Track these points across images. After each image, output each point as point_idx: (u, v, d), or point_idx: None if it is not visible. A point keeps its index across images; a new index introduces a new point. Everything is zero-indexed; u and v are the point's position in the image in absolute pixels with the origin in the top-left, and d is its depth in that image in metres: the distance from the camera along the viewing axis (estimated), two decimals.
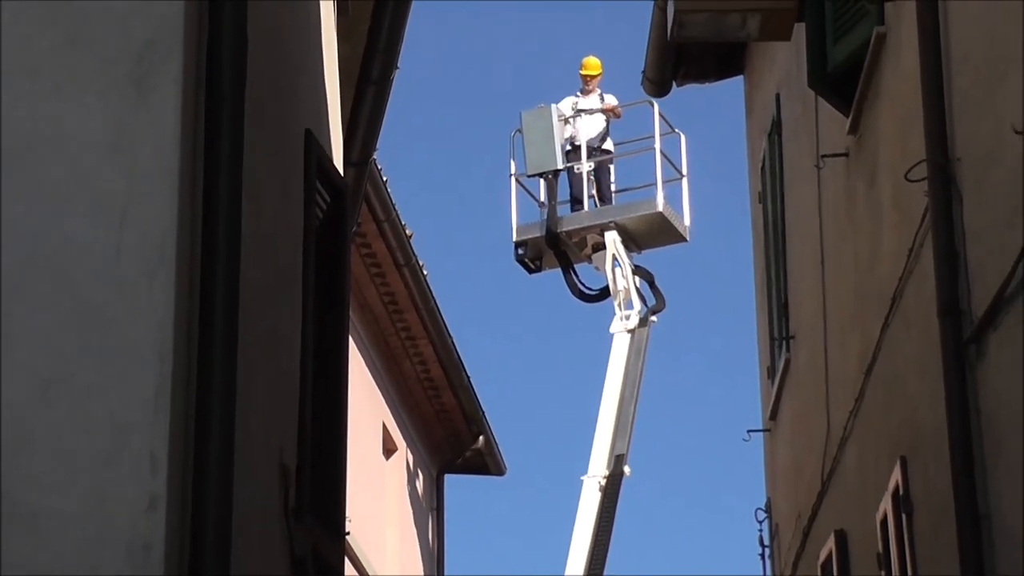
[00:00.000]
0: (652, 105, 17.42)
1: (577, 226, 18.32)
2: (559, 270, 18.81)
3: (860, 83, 9.79)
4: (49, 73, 5.51)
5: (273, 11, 7.84)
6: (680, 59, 13.08)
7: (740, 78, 14.33)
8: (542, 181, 18.34)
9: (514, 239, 18.54)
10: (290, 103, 8.54)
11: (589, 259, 18.31)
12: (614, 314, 18.35)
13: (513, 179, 18.81)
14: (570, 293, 18.72)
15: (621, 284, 18.03)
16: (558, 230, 18.11)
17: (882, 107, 9.68)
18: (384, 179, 14.39)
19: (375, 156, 12.30)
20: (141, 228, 5.26)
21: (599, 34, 41.33)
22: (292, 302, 8.09)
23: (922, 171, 8.09)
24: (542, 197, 18.69)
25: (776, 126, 12.86)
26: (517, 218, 18.56)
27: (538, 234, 18.34)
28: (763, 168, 13.58)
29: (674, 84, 13.40)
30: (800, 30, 10.56)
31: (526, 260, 18.56)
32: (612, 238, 18.16)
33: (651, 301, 18.52)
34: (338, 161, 10.49)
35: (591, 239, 18.38)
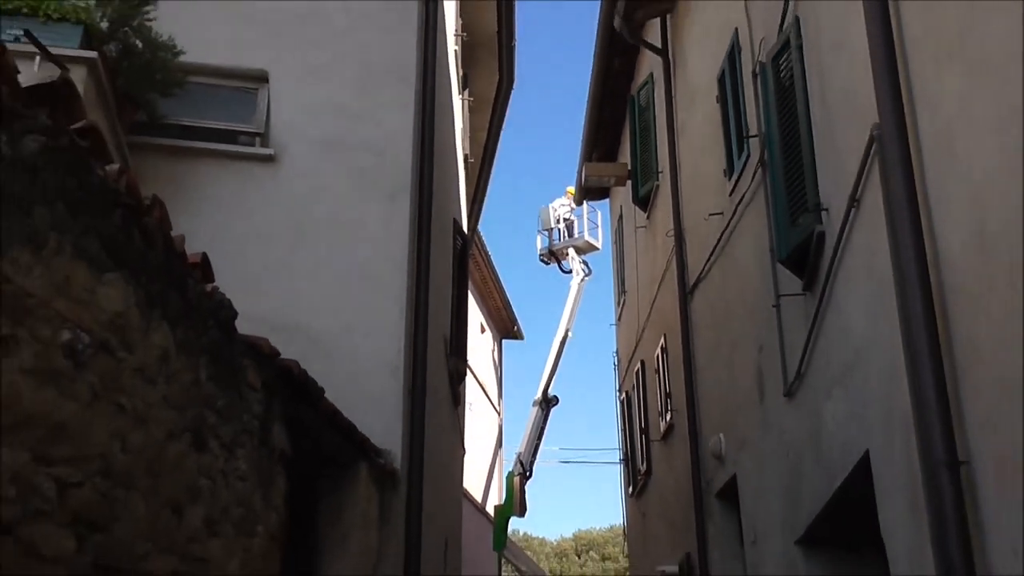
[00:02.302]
0: (582, 204, 25.07)
1: (560, 247, 27.26)
2: (555, 264, 27.36)
3: (650, 200, 13.07)
4: (354, 196, 7.52)
5: (443, 160, 9.42)
6: (589, 191, 17.55)
7: (608, 199, 18.81)
8: (547, 232, 27.33)
9: (538, 252, 27.44)
10: (447, 204, 10.38)
11: (565, 257, 26.79)
12: (573, 277, 26.51)
13: (537, 232, 27.86)
14: (559, 271, 27.43)
15: (576, 268, 26.20)
16: (553, 249, 27.24)
17: (657, 209, 12.85)
18: (481, 231, 21.38)
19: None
20: (394, 250, 7.39)
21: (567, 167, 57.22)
22: (448, 278, 10.44)
23: (671, 233, 11.24)
24: (548, 237, 27.69)
25: (621, 217, 16.63)
26: (539, 244, 27.81)
27: (546, 249, 27.30)
28: (617, 230, 17.31)
29: (585, 200, 19.57)
30: (631, 184, 14.15)
31: (543, 259, 27.37)
32: (572, 250, 26.98)
33: (586, 272, 26.66)
34: (464, 224, 13.28)
35: (566, 251, 27.06)
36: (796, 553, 7.24)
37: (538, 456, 25.86)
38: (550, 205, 27.97)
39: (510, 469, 24.87)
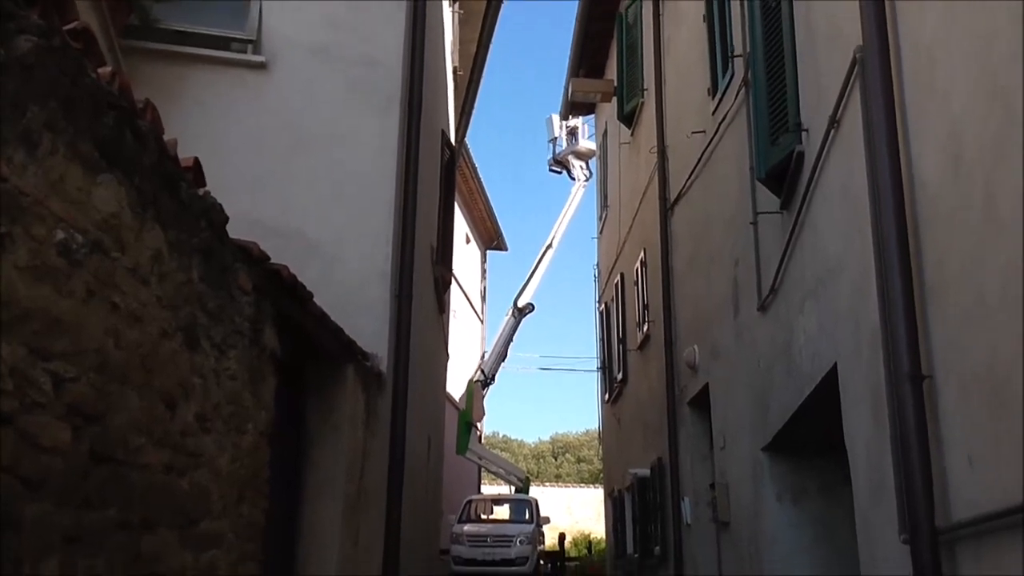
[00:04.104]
0: (568, 119, 24.48)
1: (563, 154, 27.05)
2: (564, 172, 27.24)
3: (634, 117, 12.92)
4: (345, 106, 7.45)
5: (432, 72, 9.37)
6: (575, 106, 17.61)
7: (593, 115, 19.12)
8: (552, 142, 26.84)
9: (548, 161, 27.01)
10: (435, 116, 10.28)
11: (570, 163, 26.55)
12: (575, 181, 26.77)
13: (548, 141, 27.64)
14: (567, 177, 27.32)
15: (578, 174, 26.17)
16: (557, 157, 26.97)
17: (641, 126, 12.74)
18: (468, 143, 21.33)
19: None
20: (384, 160, 7.34)
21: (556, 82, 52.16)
22: (435, 188, 10.44)
23: (654, 150, 11.22)
24: (556, 145, 27.47)
25: (606, 133, 16.48)
26: (550, 152, 27.59)
27: (552, 158, 26.99)
28: (601, 144, 17.26)
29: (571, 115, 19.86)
30: (616, 100, 14.07)
31: (552, 169, 27.10)
32: (573, 156, 26.83)
33: (587, 177, 26.48)
34: (452, 136, 13.12)
35: (568, 157, 26.95)
36: (762, 458, 7.38)
37: (503, 363, 26.07)
38: (554, 114, 27.51)
39: (471, 377, 24.99)
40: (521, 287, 25.67)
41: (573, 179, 27.18)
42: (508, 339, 25.67)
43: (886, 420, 4.25)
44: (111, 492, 2.86)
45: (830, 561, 7.10)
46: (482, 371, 24.96)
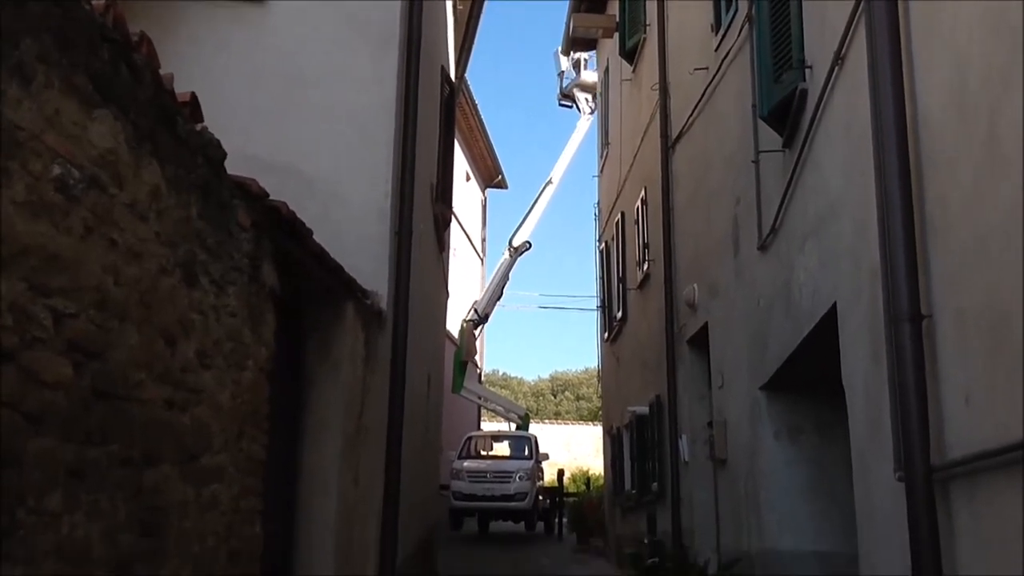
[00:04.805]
0: (569, 55, 23.99)
1: (569, 86, 25.41)
2: (575, 106, 25.56)
3: (636, 53, 12.75)
4: (343, 41, 7.38)
5: (432, 7, 9.28)
6: (576, 42, 17.63)
7: (595, 51, 19.11)
8: (560, 75, 25.44)
9: (557, 96, 25.69)
10: (435, 51, 10.19)
11: (576, 96, 25.21)
12: (581, 114, 25.32)
13: (556, 74, 26.09)
14: (576, 111, 25.70)
15: (584, 107, 24.86)
16: (565, 90, 25.40)
17: (643, 63, 12.56)
18: (468, 80, 21.03)
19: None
20: (383, 96, 7.27)
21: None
22: (435, 125, 10.32)
23: (656, 87, 11.06)
24: (564, 79, 25.83)
25: (607, 69, 16.21)
26: (558, 87, 25.98)
27: (560, 92, 25.59)
28: (603, 80, 17.08)
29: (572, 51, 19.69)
30: (618, 36, 13.85)
31: (562, 104, 25.69)
32: (578, 89, 25.20)
33: (591, 110, 24.80)
34: (452, 73, 12.90)
35: (573, 90, 25.49)
36: (760, 397, 7.43)
37: (499, 302, 25.58)
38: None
39: (464, 316, 24.68)
40: (518, 225, 25.12)
41: (579, 110, 26.41)
42: (503, 278, 25.11)
43: (884, 359, 4.27)
44: (113, 427, 2.89)
45: (826, 498, 7.19)
46: (475, 310, 24.70)
